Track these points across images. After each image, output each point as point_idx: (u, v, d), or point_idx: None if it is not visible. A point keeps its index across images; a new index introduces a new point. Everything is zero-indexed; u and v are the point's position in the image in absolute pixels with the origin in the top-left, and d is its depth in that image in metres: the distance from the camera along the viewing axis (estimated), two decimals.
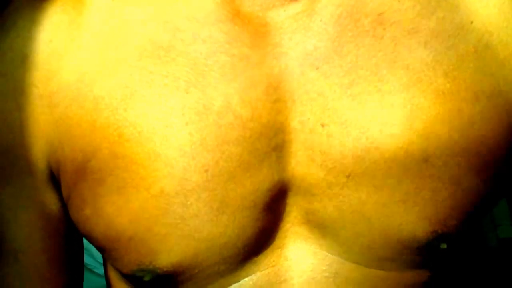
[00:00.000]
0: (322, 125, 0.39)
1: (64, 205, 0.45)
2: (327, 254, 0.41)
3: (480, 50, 0.40)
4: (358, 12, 0.40)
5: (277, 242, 0.42)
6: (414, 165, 0.39)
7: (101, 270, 0.97)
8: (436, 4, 0.40)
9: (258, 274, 0.42)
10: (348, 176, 0.39)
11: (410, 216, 0.40)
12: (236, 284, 0.42)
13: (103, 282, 0.53)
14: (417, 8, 0.40)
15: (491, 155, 0.40)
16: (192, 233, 0.39)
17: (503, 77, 0.41)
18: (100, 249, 0.44)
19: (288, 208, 0.41)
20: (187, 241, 0.40)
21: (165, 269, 0.40)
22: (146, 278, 0.41)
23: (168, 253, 0.40)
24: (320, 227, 0.41)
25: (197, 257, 0.40)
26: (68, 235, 0.46)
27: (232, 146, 0.39)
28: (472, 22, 0.41)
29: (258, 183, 0.40)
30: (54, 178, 0.44)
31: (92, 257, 1.06)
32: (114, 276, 0.48)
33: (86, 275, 1.03)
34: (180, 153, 0.39)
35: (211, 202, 0.39)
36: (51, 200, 0.45)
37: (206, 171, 0.39)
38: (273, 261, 0.42)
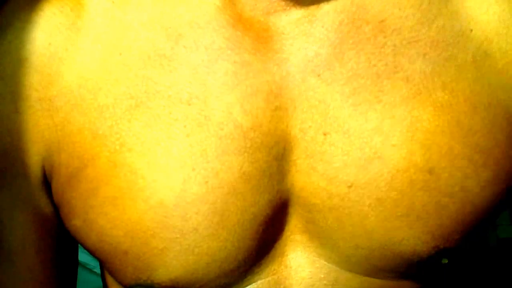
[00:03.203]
0: (324, 134, 0.39)
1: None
2: (325, 263, 0.41)
3: (478, 59, 0.40)
4: (359, 19, 0.39)
5: (277, 251, 0.41)
6: (418, 176, 0.39)
7: None
8: (437, 12, 0.40)
9: (259, 282, 0.42)
10: (349, 187, 0.39)
11: (412, 230, 0.39)
12: None
13: None
14: (417, 16, 0.40)
15: (499, 166, 0.40)
16: (191, 248, 0.39)
17: (501, 86, 0.40)
18: (97, 258, 0.44)
19: (288, 217, 0.41)
20: (186, 256, 0.39)
21: (163, 285, 0.40)
22: None
23: (167, 268, 0.39)
24: (319, 236, 0.41)
25: (197, 272, 0.40)
26: (63, 238, 0.46)
27: (232, 157, 0.38)
28: (471, 30, 0.40)
29: (259, 195, 0.39)
30: (47, 183, 0.44)
31: (92, 257, 1.06)
32: (111, 281, 0.48)
33: (86, 275, 1.03)
34: (181, 164, 0.38)
35: (211, 216, 0.39)
36: (45, 204, 0.44)
37: (206, 182, 0.38)
38: (274, 269, 0.42)
